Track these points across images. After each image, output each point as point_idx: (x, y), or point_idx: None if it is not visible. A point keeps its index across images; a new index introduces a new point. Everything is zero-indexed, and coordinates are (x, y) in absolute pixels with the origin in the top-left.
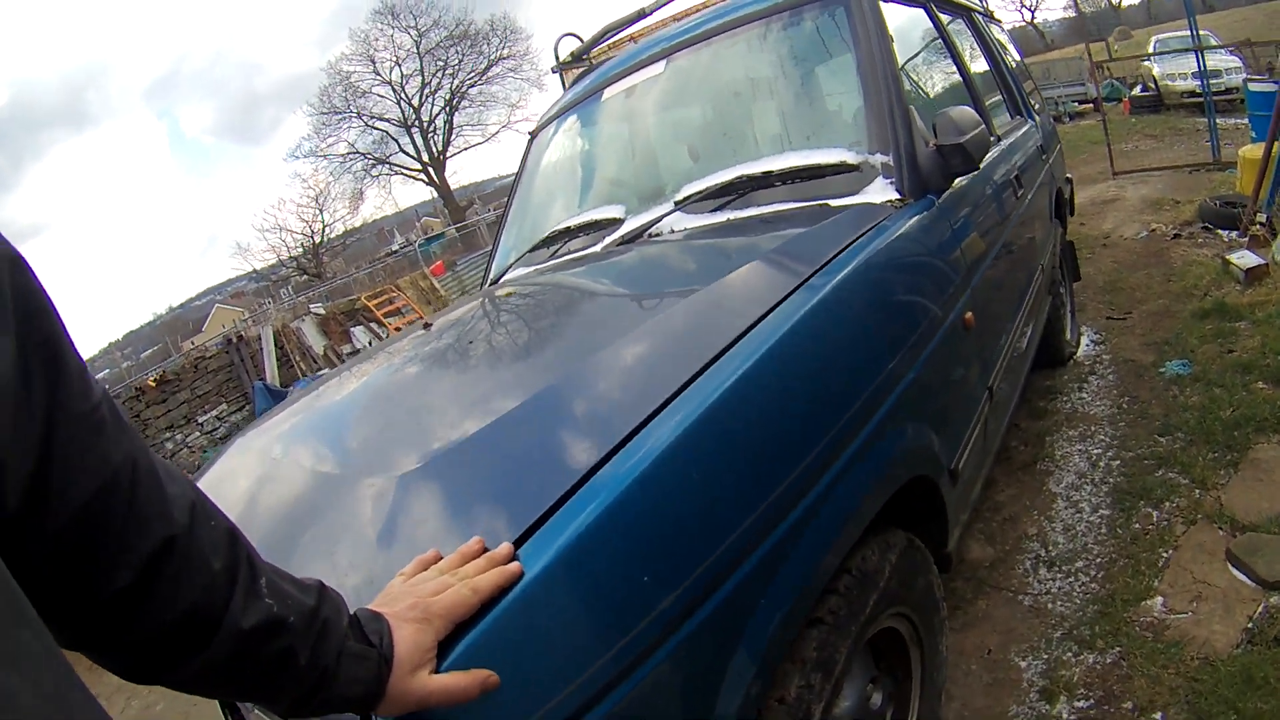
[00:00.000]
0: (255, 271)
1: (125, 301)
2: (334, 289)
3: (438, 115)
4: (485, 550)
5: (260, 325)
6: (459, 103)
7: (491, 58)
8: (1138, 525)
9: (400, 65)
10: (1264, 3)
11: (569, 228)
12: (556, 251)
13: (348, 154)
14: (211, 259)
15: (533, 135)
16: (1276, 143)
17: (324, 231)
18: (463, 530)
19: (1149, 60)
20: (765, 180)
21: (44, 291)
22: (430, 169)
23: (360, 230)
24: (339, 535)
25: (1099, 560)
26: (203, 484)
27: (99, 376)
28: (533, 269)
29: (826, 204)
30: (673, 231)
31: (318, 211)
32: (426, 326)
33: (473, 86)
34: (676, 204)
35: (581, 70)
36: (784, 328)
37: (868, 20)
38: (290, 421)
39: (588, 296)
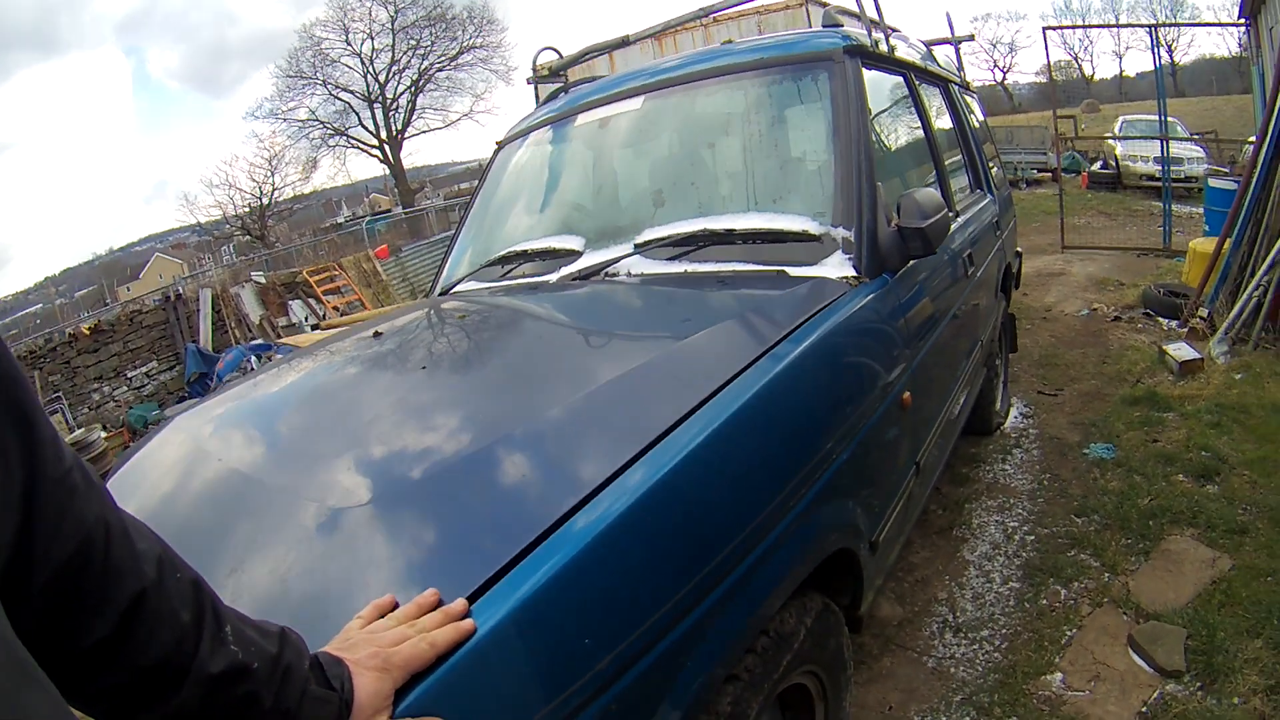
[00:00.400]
0: (199, 225)
1: (66, 237)
2: (276, 256)
3: (402, 94)
4: (440, 603)
5: (200, 287)
6: (425, 84)
7: (464, 44)
8: (1045, 601)
9: (373, 39)
10: (1235, 95)
11: (525, 251)
12: (510, 273)
13: (307, 120)
14: (157, 206)
15: (500, 145)
16: (1229, 240)
17: (272, 194)
18: (418, 577)
19: (1112, 138)
20: (727, 237)
21: (12, 358)
22: (387, 146)
23: (308, 198)
24: (290, 561)
25: (1004, 631)
26: (135, 464)
27: (32, 311)
28: (483, 286)
29: (784, 271)
30: (629, 274)
31: (269, 173)
32: (376, 335)
33: (441, 70)
34: (636, 247)
35: (557, 87)
36: (733, 406)
37: (849, 88)
38: (233, 417)
39: (546, 333)
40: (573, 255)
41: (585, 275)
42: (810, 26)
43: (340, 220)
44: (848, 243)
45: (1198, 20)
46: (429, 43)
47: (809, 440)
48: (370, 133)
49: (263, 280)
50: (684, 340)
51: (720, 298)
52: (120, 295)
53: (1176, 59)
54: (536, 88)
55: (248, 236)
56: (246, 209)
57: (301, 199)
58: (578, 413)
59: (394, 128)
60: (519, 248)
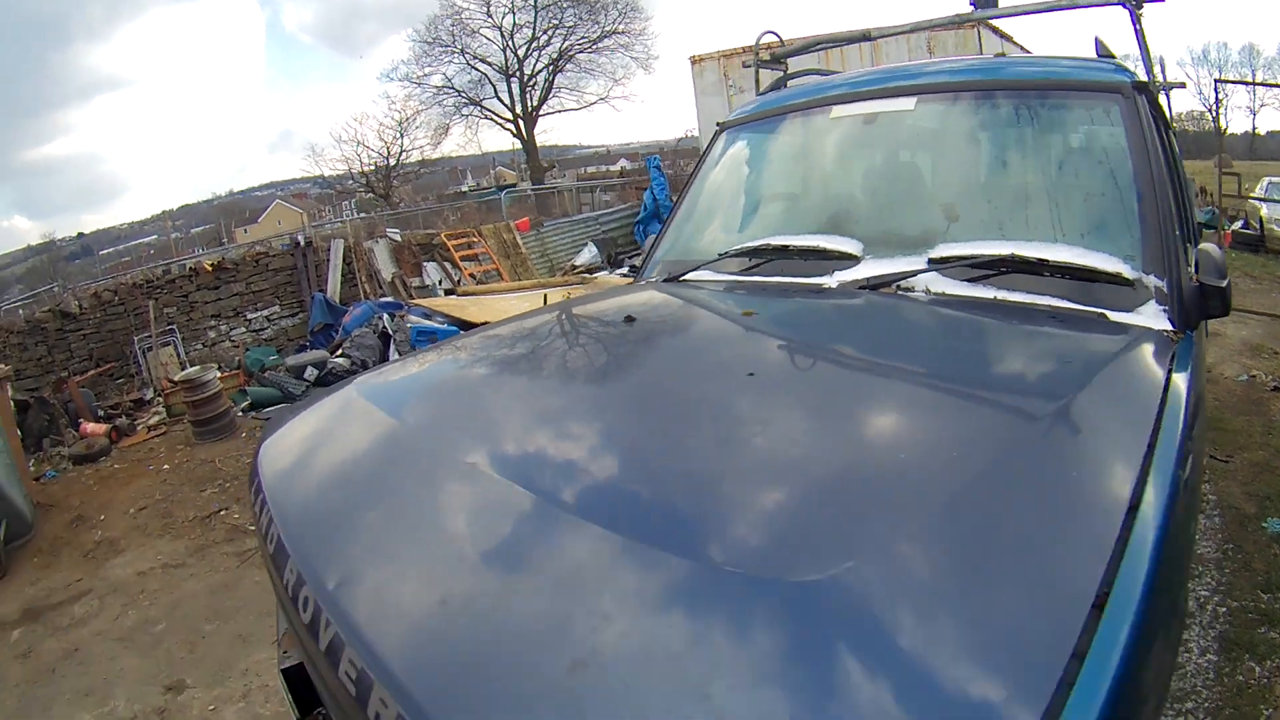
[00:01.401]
0: (322, 177)
1: (187, 174)
2: (402, 217)
3: (540, 72)
4: None
5: (331, 237)
6: (564, 64)
7: (606, 28)
8: (1242, 678)
9: (514, 13)
10: None
11: (786, 246)
12: (759, 267)
13: (442, 87)
14: (281, 156)
15: (723, 126)
16: None
17: (400, 156)
18: (927, 695)
19: (1257, 199)
20: (1036, 266)
21: None
22: (521, 121)
23: (435, 164)
24: (688, 660)
25: (1207, 704)
26: (318, 437)
27: (147, 241)
28: (725, 277)
29: (1105, 314)
30: (927, 292)
31: (399, 135)
32: (629, 320)
33: (581, 52)
34: (931, 262)
35: (780, 75)
36: (1167, 490)
37: (1144, 124)
38: (474, 407)
39: (886, 351)
40: (849, 260)
41: (874, 285)
42: (981, 50)
43: (464, 189)
44: (1160, 292)
45: None
46: (571, 23)
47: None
48: (505, 106)
49: (398, 238)
50: (1067, 401)
51: (1063, 341)
52: (238, 237)
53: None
54: (757, 72)
55: (371, 194)
56: (373, 167)
57: (429, 164)
58: (1021, 473)
59: (529, 104)
60: (776, 241)
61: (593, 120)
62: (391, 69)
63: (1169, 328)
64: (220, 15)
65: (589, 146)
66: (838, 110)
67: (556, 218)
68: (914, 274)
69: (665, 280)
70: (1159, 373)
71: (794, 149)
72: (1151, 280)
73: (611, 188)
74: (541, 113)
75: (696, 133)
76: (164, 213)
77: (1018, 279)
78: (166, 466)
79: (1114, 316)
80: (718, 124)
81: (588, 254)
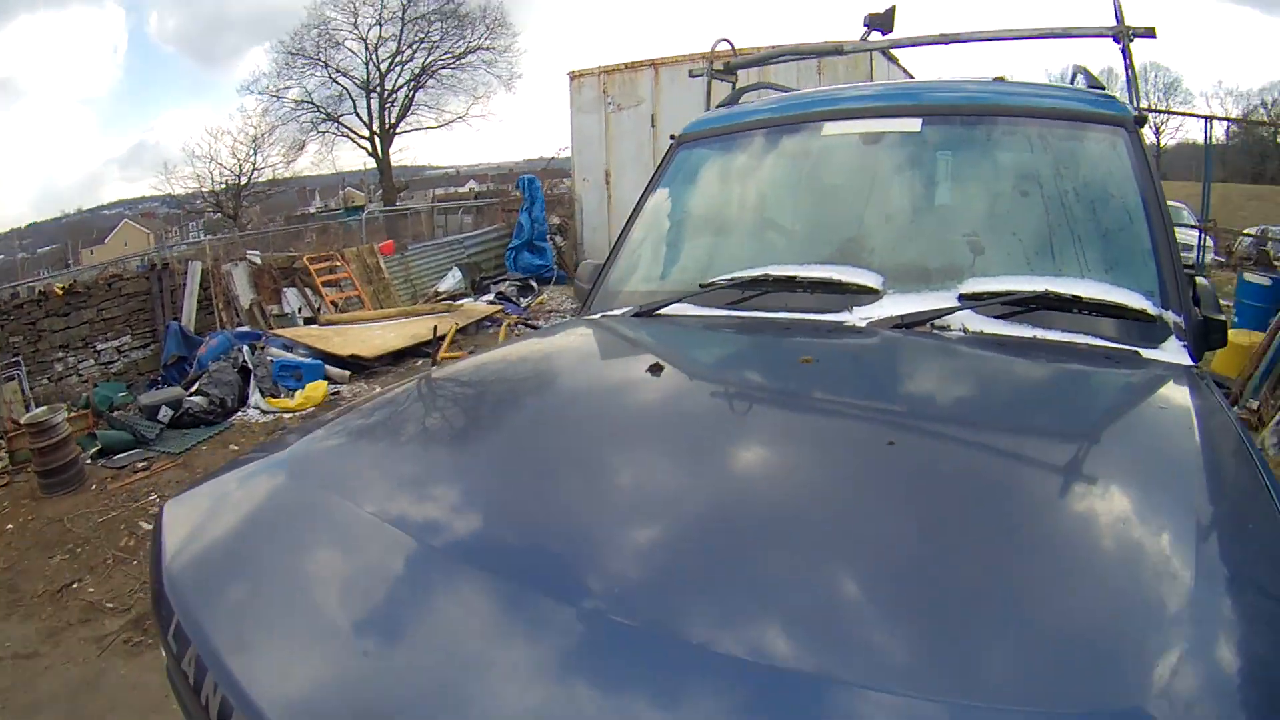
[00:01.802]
0: (171, 196)
1: (38, 191)
2: (257, 239)
3: (401, 87)
4: None
5: (189, 259)
6: (426, 80)
7: (472, 44)
8: None
9: (381, 25)
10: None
11: (793, 278)
12: (753, 300)
13: (301, 101)
14: (132, 172)
15: (680, 140)
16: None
17: (251, 174)
18: None
19: None
20: (1069, 303)
21: None
22: (378, 139)
23: (286, 183)
24: None
25: None
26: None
27: None
28: (720, 312)
29: (1139, 353)
30: (965, 331)
31: (252, 151)
32: (655, 370)
33: (445, 68)
34: (963, 299)
35: (741, 88)
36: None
37: (1145, 158)
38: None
39: (965, 404)
40: (869, 294)
41: (908, 324)
42: (872, 76)
43: (313, 210)
44: (1179, 328)
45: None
46: (437, 37)
47: None
48: (363, 122)
49: (259, 261)
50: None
51: (1115, 379)
52: (84, 258)
53: (1163, 143)
54: (709, 83)
55: (219, 214)
56: (224, 185)
57: (279, 183)
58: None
59: (387, 120)
60: (780, 272)
61: (448, 140)
62: (252, 80)
63: (1190, 362)
64: (79, 20)
65: (440, 167)
66: (831, 127)
67: (414, 241)
68: (950, 311)
69: (636, 315)
70: (1211, 404)
71: (778, 168)
72: (1170, 316)
73: (472, 210)
74: (399, 130)
75: (568, 151)
76: (11, 231)
77: (1049, 316)
78: (10, 526)
79: (1145, 354)
80: (673, 136)
81: (451, 279)
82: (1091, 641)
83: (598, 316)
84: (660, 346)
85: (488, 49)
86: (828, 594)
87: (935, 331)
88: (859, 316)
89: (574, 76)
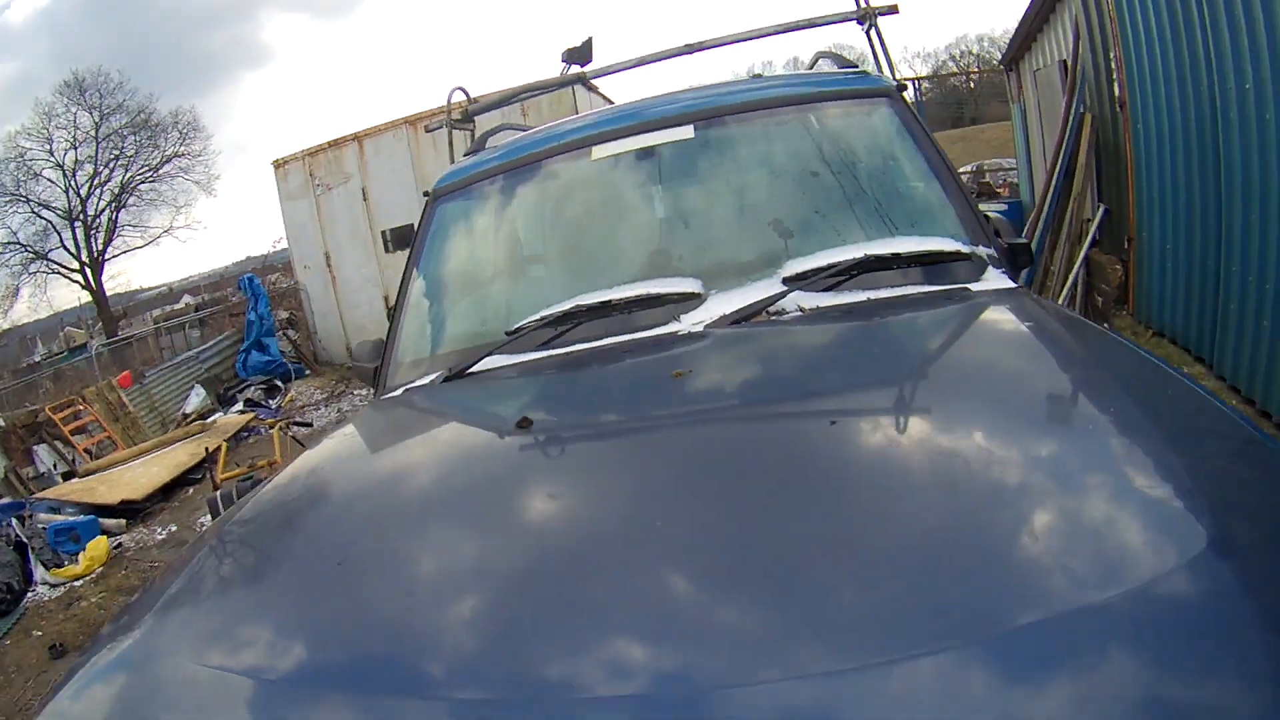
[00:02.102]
0: None
1: None
2: None
3: (103, 210)
4: None
5: None
6: (126, 199)
7: (167, 153)
8: None
9: (77, 148)
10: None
11: (607, 302)
12: (577, 334)
13: (7, 243)
14: None
15: (436, 195)
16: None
17: None
18: None
19: None
20: (889, 261)
21: None
22: (88, 269)
23: (5, 336)
24: None
25: None
26: None
27: None
28: (537, 355)
29: (967, 288)
30: (801, 310)
31: None
32: (524, 425)
33: (144, 182)
34: (787, 281)
35: (485, 132)
36: None
37: (916, 120)
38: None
39: (855, 377)
40: (691, 299)
41: (747, 317)
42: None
43: (38, 359)
44: (993, 258)
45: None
46: (132, 151)
47: None
48: (72, 254)
49: (2, 423)
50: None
51: (965, 314)
52: None
53: None
54: (450, 134)
55: None
56: None
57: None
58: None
59: (94, 248)
60: (588, 300)
61: (158, 258)
62: None
63: (1013, 285)
64: None
65: (152, 288)
66: (601, 150)
67: (149, 367)
68: (781, 296)
69: (447, 381)
70: (1046, 306)
71: (556, 200)
72: (982, 250)
73: (197, 323)
74: (108, 256)
75: (284, 243)
76: None
77: (874, 278)
78: None
79: (974, 287)
80: (426, 193)
81: (196, 398)
82: (1096, 533)
83: (399, 393)
84: (501, 403)
85: (183, 155)
86: (841, 559)
87: (774, 318)
88: (690, 323)
89: (278, 165)
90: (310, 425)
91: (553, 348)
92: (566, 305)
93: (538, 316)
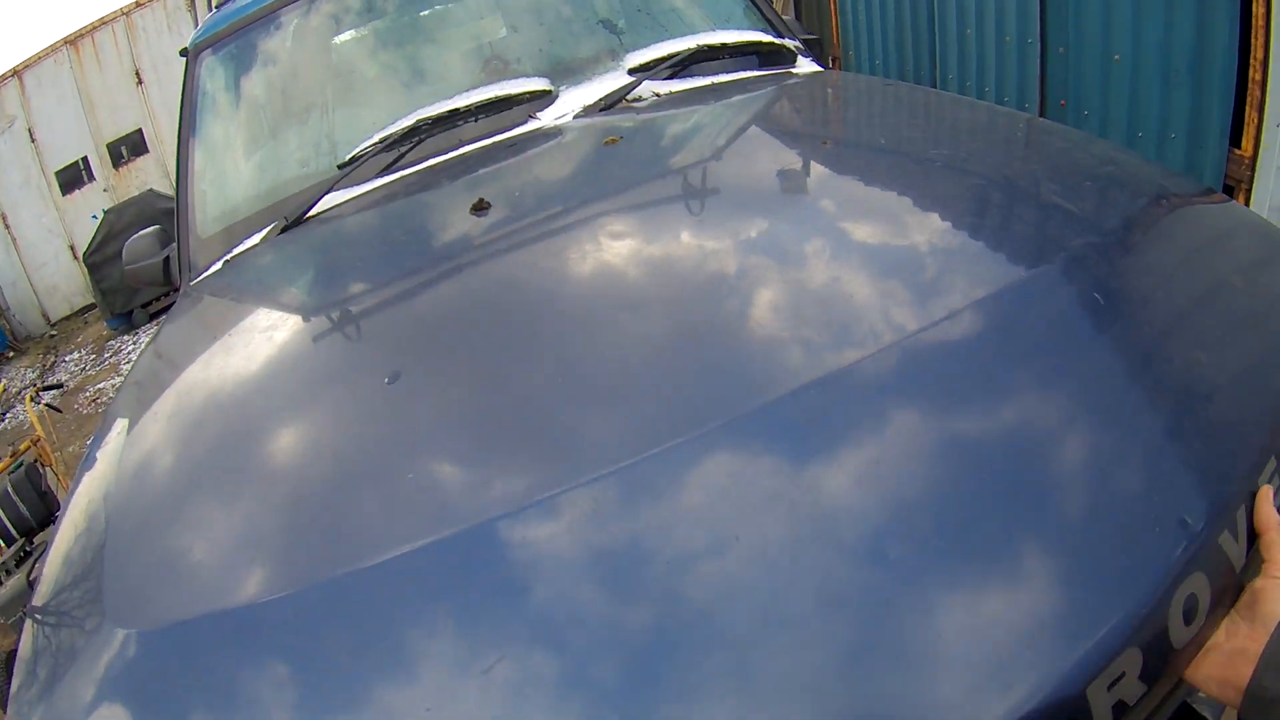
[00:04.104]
0: None
1: None
2: None
3: None
4: None
5: None
6: None
7: None
8: None
9: None
10: None
11: (454, 110)
12: (424, 150)
13: None
14: None
15: (198, 50)
16: None
17: None
18: None
19: None
20: (719, 52)
21: None
22: None
23: None
24: None
25: None
26: None
27: None
28: (388, 179)
29: (791, 71)
30: (657, 96)
31: None
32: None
33: None
34: (632, 71)
35: None
36: None
37: None
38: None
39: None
40: (544, 96)
41: (610, 105)
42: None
43: None
44: (799, 49)
45: None
46: None
47: None
48: None
49: None
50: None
51: (803, 88)
52: None
53: None
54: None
55: None
56: None
57: None
58: None
59: None
60: (432, 112)
61: None
62: None
63: (823, 68)
64: None
65: None
66: None
67: None
68: (636, 85)
69: (285, 231)
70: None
71: (358, 20)
72: (790, 42)
73: None
74: None
75: None
76: None
77: (707, 66)
78: None
79: (795, 70)
80: (182, 51)
81: None
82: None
83: (219, 266)
84: (372, 236)
85: None
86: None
87: (632, 105)
88: (553, 117)
89: None
90: (61, 386)
91: (402, 169)
92: (407, 122)
93: (375, 140)
